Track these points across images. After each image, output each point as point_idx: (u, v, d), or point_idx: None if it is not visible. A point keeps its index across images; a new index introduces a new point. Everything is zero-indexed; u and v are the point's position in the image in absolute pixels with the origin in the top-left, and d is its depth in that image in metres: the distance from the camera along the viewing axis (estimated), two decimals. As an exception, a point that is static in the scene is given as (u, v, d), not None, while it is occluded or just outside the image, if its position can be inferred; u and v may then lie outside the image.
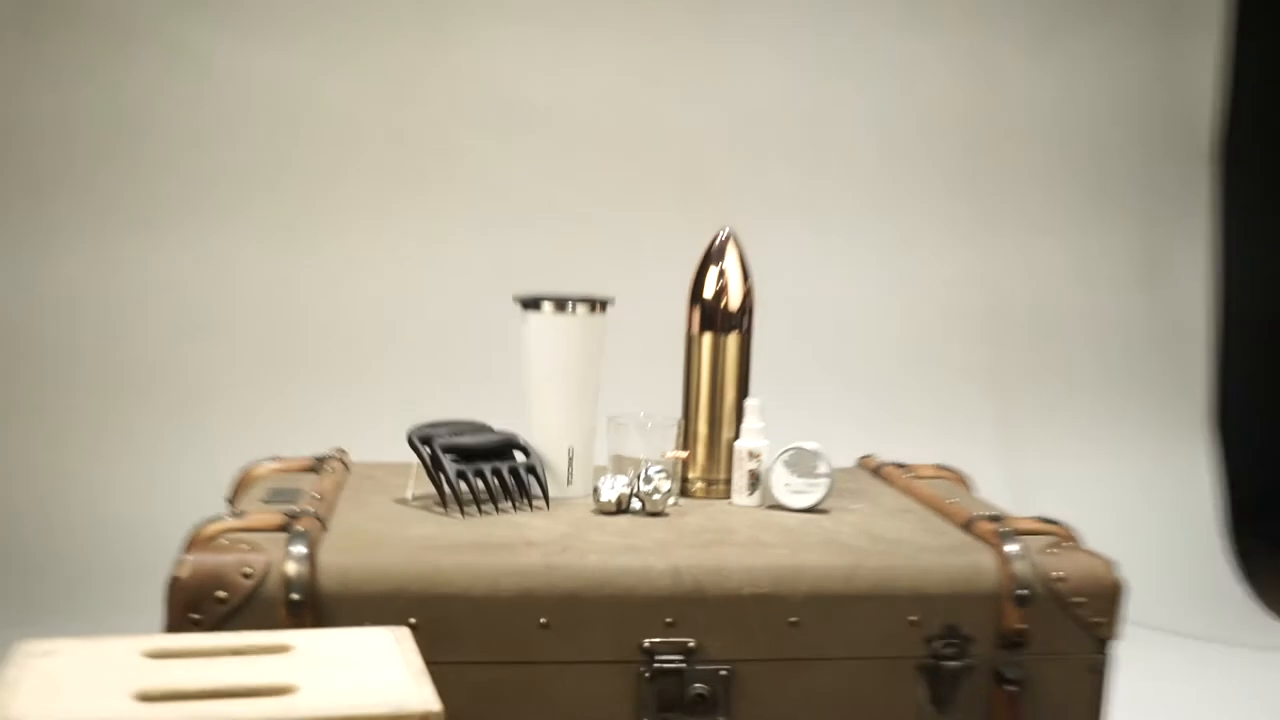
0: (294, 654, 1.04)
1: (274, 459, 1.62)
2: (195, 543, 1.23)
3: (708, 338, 1.52)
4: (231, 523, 1.27)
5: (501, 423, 1.53)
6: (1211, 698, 2.62)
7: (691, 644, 1.25)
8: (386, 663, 1.02)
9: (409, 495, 1.46)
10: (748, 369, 1.55)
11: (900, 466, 1.74)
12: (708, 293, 1.52)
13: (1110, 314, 3.68)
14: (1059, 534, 1.38)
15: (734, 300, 1.52)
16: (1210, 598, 3.27)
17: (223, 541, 1.23)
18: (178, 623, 1.18)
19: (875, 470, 1.75)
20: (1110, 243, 3.72)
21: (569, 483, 1.50)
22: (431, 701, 0.95)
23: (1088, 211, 3.72)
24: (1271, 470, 4.00)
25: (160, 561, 1.72)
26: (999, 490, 3.30)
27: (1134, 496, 3.51)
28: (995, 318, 3.63)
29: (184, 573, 1.19)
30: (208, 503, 1.71)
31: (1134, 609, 3.19)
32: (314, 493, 1.42)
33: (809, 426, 2.01)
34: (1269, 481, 3.94)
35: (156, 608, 1.23)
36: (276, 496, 1.43)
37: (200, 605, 1.18)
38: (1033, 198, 3.68)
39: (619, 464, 1.51)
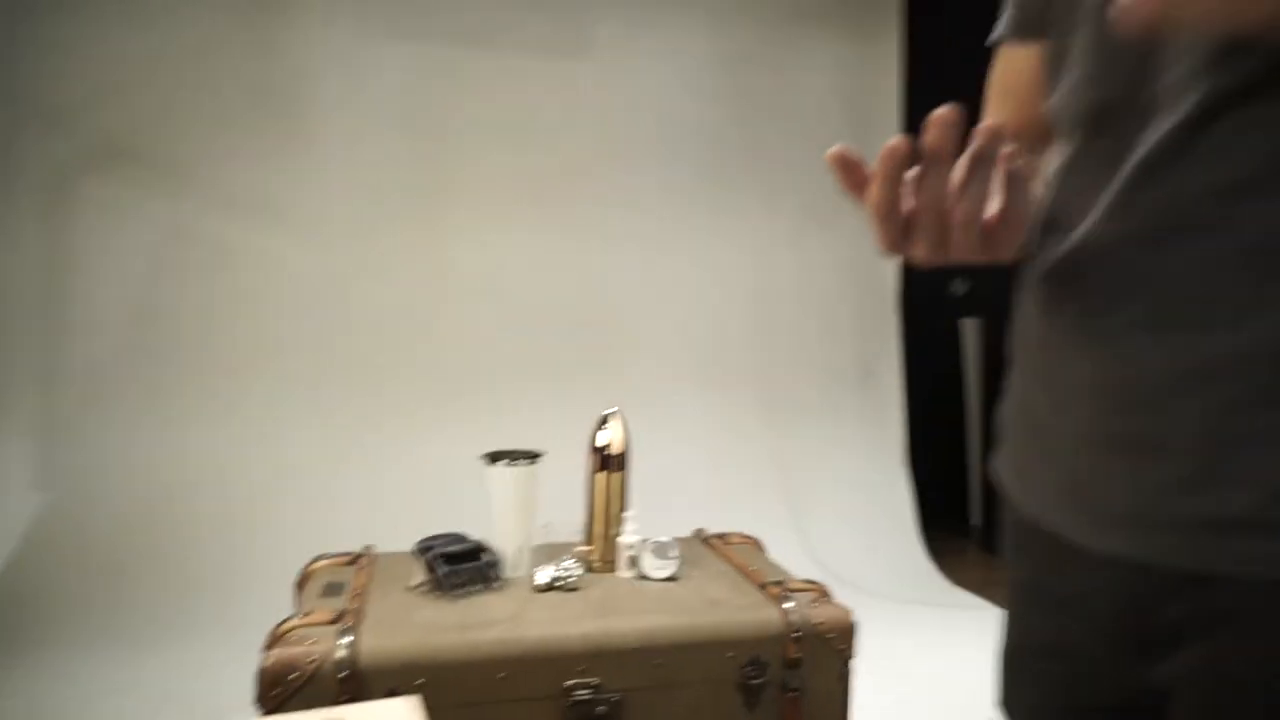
0: (342, 729, 0.99)
1: (322, 557, 1.56)
2: (275, 639, 1.19)
3: (601, 474, 1.51)
4: (298, 621, 1.23)
5: (477, 530, 1.50)
6: (916, 636, 2.66)
7: (596, 681, 1.24)
8: (403, 732, 0.98)
9: (415, 583, 1.42)
10: (625, 492, 1.53)
11: (719, 537, 1.72)
12: (600, 444, 1.51)
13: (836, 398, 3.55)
14: (818, 591, 1.38)
15: (615, 450, 1.51)
16: (908, 572, 3.27)
17: (293, 637, 1.19)
18: (265, 696, 1.13)
19: (704, 540, 1.71)
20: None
21: (517, 569, 1.48)
22: (432, 766, 0.92)
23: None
24: (943, 485, 4.05)
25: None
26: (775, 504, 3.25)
27: (858, 506, 3.46)
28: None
29: (268, 663, 1.14)
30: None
31: (864, 582, 3.15)
32: (354, 588, 1.38)
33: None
34: (942, 493, 3.99)
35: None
36: (329, 590, 1.39)
37: (280, 683, 1.14)
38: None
39: (549, 553, 1.48)
